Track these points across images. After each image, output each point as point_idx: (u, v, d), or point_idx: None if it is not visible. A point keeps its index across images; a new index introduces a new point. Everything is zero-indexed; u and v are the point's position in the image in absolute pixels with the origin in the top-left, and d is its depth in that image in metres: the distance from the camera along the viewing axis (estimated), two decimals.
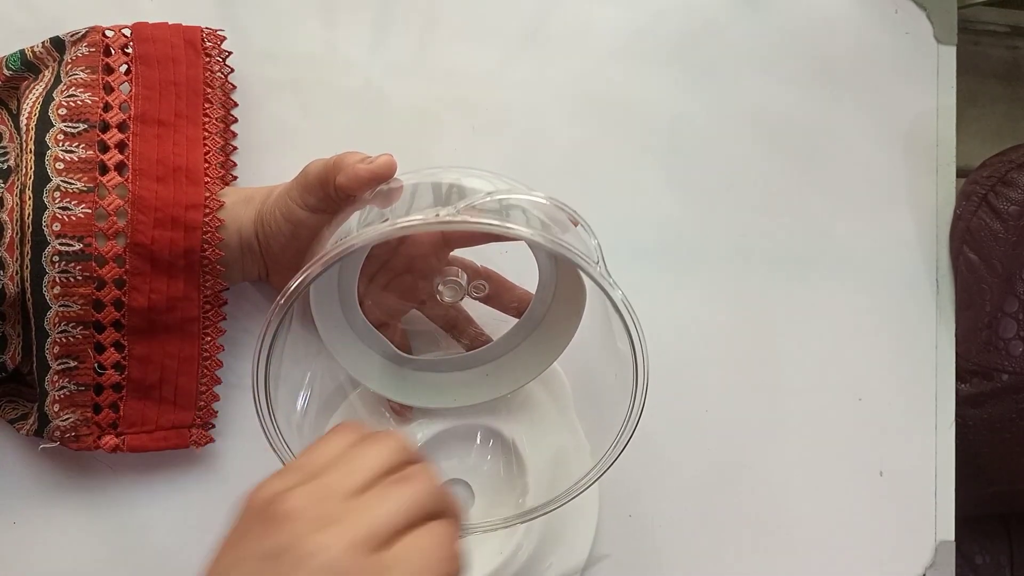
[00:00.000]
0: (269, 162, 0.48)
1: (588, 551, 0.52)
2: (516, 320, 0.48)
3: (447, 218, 0.36)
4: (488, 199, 0.38)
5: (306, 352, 0.46)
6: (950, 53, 0.61)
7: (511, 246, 0.47)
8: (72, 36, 0.46)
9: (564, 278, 0.46)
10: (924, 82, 0.60)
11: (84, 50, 0.45)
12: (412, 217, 0.36)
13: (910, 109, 0.60)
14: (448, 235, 0.46)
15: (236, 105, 0.50)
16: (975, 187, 0.61)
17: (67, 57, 0.45)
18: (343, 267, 0.44)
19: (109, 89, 0.44)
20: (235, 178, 0.50)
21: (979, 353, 0.61)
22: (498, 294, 0.49)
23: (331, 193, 0.42)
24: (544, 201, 0.40)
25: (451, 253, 0.48)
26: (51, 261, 0.41)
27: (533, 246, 0.43)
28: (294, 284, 0.37)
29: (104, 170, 0.42)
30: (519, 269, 0.48)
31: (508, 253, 0.48)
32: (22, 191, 0.41)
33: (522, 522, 0.45)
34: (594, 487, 0.45)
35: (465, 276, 0.47)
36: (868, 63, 0.60)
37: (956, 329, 0.59)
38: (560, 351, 0.47)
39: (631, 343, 0.39)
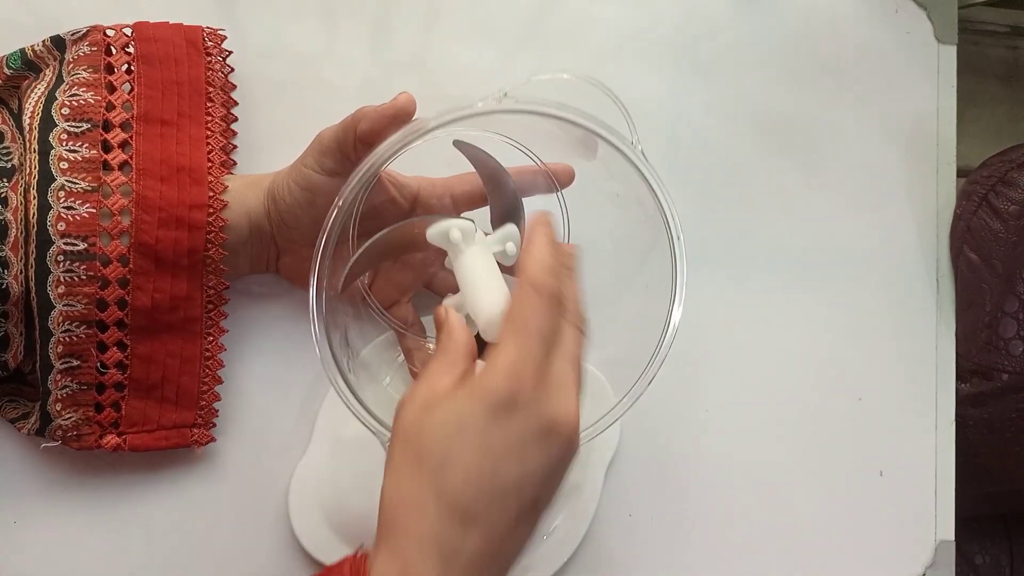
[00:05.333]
0: (269, 162, 0.48)
1: (593, 513, 0.52)
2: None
3: (512, 105, 0.39)
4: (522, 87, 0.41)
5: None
6: (951, 52, 0.61)
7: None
8: (73, 35, 0.46)
9: None
10: (925, 81, 0.60)
11: (85, 49, 0.45)
12: (479, 104, 0.39)
13: (911, 108, 0.60)
14: (456, 198, 0.47)
15: (236, 104, 0.50)
16: (975, 187, 0.61)
17: (68, 56, 0.45)
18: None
19: (112, 88, 0.44)
20: None
21: (979, 353, 0.61)
22: None
23: (348, 152, 0.42)
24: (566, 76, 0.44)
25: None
26: (56, 260, 0.41)
27: None
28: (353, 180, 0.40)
29: (108, 169, 0.43)
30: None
31: None
32: (26, 190, 0.41)
33: None
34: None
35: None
36: (869, 62, 0.60)
37: (956, 329, 0.59)
38: None
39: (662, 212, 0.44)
